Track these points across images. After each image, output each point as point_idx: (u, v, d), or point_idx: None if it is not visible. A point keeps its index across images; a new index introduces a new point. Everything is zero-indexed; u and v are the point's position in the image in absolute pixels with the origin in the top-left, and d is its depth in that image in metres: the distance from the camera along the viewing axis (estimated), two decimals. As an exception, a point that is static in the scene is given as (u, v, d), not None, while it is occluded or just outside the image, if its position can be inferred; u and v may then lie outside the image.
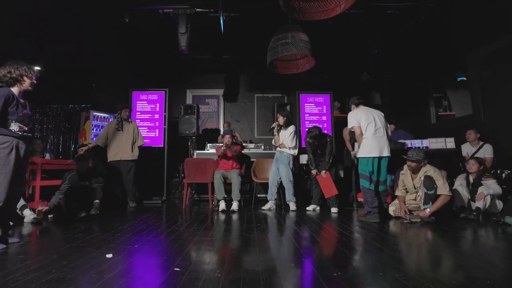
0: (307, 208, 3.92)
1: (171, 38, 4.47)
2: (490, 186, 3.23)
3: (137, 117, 5.29)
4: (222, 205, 3.78)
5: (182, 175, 4.85)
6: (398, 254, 1.90)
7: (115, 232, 2.52)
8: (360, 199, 4.15)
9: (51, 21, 4.25)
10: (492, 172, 3.55)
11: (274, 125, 4.06)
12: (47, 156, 4.17)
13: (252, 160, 4.69)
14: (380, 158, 3.21)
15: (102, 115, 5.35)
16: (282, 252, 2.04)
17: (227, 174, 4.04)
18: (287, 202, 3.91)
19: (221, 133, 5.93)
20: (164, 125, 5.30)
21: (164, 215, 3.66)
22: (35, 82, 2.24)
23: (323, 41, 4.83)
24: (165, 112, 5.33)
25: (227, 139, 4.18)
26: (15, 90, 2.14)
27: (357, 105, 3.42)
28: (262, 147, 4.99)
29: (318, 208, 3.96)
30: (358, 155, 3.29)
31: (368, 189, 3.20)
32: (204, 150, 5.01)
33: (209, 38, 5.12)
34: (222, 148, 4.08)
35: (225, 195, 3.90)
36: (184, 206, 4.18)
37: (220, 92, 6.57)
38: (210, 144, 5.03)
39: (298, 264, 1.72)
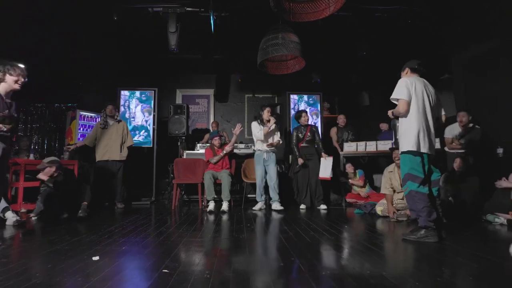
0: (300, 207, 3.98)
1: (160, 37, 4.42)
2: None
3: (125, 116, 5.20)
4: (212, 206, 3.76)
5: (172, 175, 4.80)
6: (385, 252, 1.94)
7: (102, 234, 2.47)
8: (349, 200, 4.22)
9: (36, 18, 4.13)
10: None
11: (272, 122, 3.97)
12: (31, 156, 4.05)
13: (242, 160, 4.69)
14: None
15: (89, 114, 5.23)
16: (271, 252, 2.05)
17: (217, 175, 4.03)
18: (273, 202, 3.88)
19: (210, 133, 5.89)
20: (153, 125, 5.23)
21: (153, 216, 3.61)
22: (22, 80, 2.17)
23: (313, 43, 4.87)
24: (154, 111, 5.26)
25: (217, 141, 4.20)
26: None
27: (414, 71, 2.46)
28: (253, 147, 4.99)
29: (307, 207, 4.01)
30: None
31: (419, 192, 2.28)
32: (194, 150, 4.98)
33: (199, 38, 5.09)
34: (217, 157, 4.09)
35: (215, 196, 3.89)
36: (174, 207, 4.14)
37: (210, 92, 6.53)
38: (200, 144, 5.00)
39: (287, 263, 1.73)
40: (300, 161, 4.07)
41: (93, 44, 5.08)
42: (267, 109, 4.03)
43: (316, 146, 4.18)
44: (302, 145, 4.18)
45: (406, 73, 2.49)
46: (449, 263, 1.74)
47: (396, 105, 2.36)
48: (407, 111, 2.31)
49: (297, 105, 5.57)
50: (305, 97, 5.62)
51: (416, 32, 4.62)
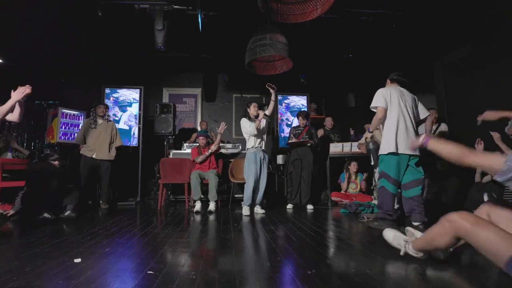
0: (287, 207, 4.01)
1: (147, 35, 4.34)
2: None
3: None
4: (199, 206, 3.72)
5: (158, 175, 4.73)
6: (369, 251, 1.98)
7: (85, 235, 2.40)
8: (334, 198, 4.29)
9: (17, 11, 3.97)
10: None
11: (261, 114, 3.75)
12: (9, 155, 3.89)
13: (229, 160, 4.68)
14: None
15: (72, 112, 5.07)
16: (258, 252, 2.06)
17: (204, 175, 4.00)
18: (257, 204, 3.69)
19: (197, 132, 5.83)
20: (139, 124, 5.14)
21: (138, 216, 3.54)
22: None
23: (301, 44, 4.92)
24: (140, 110, 5.17)
25: (202, 141, 4.18)
26: None
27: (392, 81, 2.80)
28: (240, 147, 4.99)
29: (294, 206, 4.05)
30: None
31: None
32: (180, 150, 4.92)
33: (187, 36, 5.03)
34: (203, 157, 4.04)
35: (202, 196, 3.85)
36: (159, 207, 4.08)
37: (198, 91, 6.48)
38: (187, 144, 4.95)
39: (273, 263, 1.74)
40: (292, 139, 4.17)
41: (77, 40, 4.93)
42: (253, 104, 3.81)
43: (311, 148, 4.17)
44: (296, 142, 4.22)
45: (388, 84, 2.81)
46: (431, 261, 1.79)
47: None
48: (385, 117, 2.59)
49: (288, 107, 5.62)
50: (293, 97, 5.67)
51: (400, 35, 4.75)
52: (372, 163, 3.06)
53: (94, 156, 4.09)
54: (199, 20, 4.13)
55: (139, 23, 4.46)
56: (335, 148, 4.45)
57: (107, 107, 4.43)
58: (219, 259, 1.86)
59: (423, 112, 2.81)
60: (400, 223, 2.72)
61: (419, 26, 4.55)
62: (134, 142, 5.08)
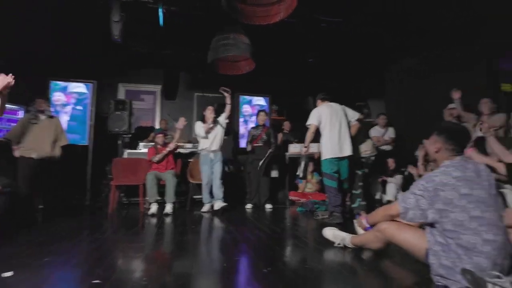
0: (247, 207, 4.02)
1: (103, 25, 4.03)
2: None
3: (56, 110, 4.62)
4: (154, 208, 3.54)
5: (110, 176, 4.41)
6: (323, 247, 2.07)
7: (20, 244, 2.14)
8: (291, 198, 4.42)
9: None
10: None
11: (211, 118, 3.87)
12: None
13: (189, 160, 4.55)
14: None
15: (12, 106, 4.49)
16: (215, 253, 2.03)
17: (161, 175, 3.83)
18: (216, 200, 3.71)
19: (154, 130, 5.58)
20: (90, 121, 4.75)
21: (85, 221, 3.28)
22: None
23: (264, 46, 4.98)
24: (92, 106, 4.78)
25: (160, 139, 4.02)
26: None
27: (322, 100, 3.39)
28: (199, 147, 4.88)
29: (254, 206, 4.09)
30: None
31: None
32: (136, 149, 4.66)
33: (147, 31, 4.79)
34: (160, 156, 3.89)
35: (158, 198, 3.69)
36: (111, 210, 3.80)
37: (157, 88, 6.21)
38: (143, 143, 4.70)
39: (230, 264, 1.73)
40: (248, 147, 4.22)
41: (20, 27, 4.40)
42: (210, 108, 3.94)
43: (270, 148, 4.24)
44: (256, 144, 4.25)
45: (318, 103, 3.38)
46: (368, 252, 1.93)
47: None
48: (315, 131, 3.18)
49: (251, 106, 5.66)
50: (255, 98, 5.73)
51: (356, 44, 5.07)
52: (301, 175, 3.50)
53: (34, 156, 3.65)
54: (160, 14, 3.96)
55: (94, 13, 4.13)
56: (294, 148, 4.58)
57: (48, 101, 4.00)
58: (175, 263, 1.80)
59: (353, 116, 3.34)
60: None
61: (373, 37, 4.91)
62: (83, 140, 4.69)
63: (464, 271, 1.25)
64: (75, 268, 1.65)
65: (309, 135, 3.22)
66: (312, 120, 3.20)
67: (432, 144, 1.54)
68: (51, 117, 3.88)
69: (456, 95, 3.40)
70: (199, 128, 3.89)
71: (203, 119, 3.96)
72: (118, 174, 4.05)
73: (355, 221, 2.18)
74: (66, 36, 4.83)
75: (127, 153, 4.55)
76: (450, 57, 4.49)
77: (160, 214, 3.52)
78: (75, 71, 5.02)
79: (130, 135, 5.06)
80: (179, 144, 4.29)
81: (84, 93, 4.86)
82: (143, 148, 4.58)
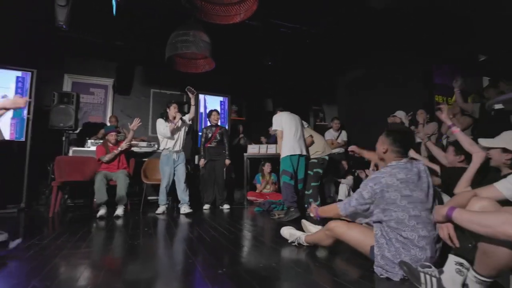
0: (204, 207, 3.97)
1: (48, 9, 3.63)
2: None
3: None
4: (103, 211, 3.29)
5: (52, 176, 4.01)
6: (277, 246, 2.14)
7: None
8: (249, 198, 4.47)
9: None
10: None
11: (178, 117, 3.75)
12: None
13: (143, 159, 4.34)
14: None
15: None
16: (169, 256, 1.97)
17: (111, 175, 3.58)
18: (182, 205, 3.66)
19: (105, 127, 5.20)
20: (28, 114, 4.25)
21: (21, 226, 2.94)
22: None
23: (225, 46, 4.96)
24: (30, 98, 4.28)
25: (112, 137, 3.75)
26: None
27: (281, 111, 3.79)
28: (156, 146, 4.68)
29: (211, 207, 4.05)
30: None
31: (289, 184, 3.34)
32: (83, 147, 4.30)
33: (98, 19, 4.44)
34: (110, 155, 3.63)
35: (108, 199, 3.45)
36: (52, 214, 3.44)
37: (109, 81, 5.78)
38: (92, 141, 4.36)
39: (185, 266, 1.69)
40: (201, 162, 4.16)
41: None
42: (174, 105, 3.79)
43: (224, 148, 4.23)
44: (209, 145, 4.19)
45: (278, 113, 3.66)
46: (327, 249, 2.05)
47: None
48: (283, 134, 3.46)
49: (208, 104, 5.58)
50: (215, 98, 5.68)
51: (312, 51, 5.32)
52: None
53: None
54: (113, 2, 3.70)
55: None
56: (252, 149, 4.65)
57: None
58: (124, 268, 1.70)
59: (305, 124, 3.82)
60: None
61: (327, 46, 5.19)
62: (20, 136, 4.18)
63: (401, 263, 1.40)
64: (5, 281, 1.47)
65: (280, 141, 3.48)
66: (277, 126, 3.49)
67: (381, 145, 1.68)
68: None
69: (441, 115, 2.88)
70: (163, 127, 3.69)
71: (166, 117, 3.78)
72: (61, 173, 3.70)
73: (302, 221, 2.35)
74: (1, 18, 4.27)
75: (72, 151, 4.19)
76: (392, 70, 4.97)
77: (110, 216, 3.30)
78: (11, 58, 4.45)
79: (77, 132, 4.66)
80: (132, 143, 4.06)
81: (21, 83, 4.34)
82: (91, 146, 4.25)
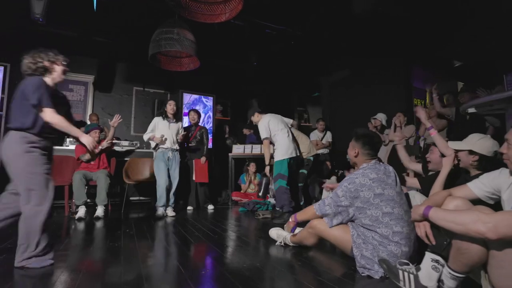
0: (188, 208, 3.91)
1: (22, 1, 3.47)
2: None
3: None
4: (82, 212, 3.17)
5: (27, 176, 3.82)
6: (262, 246, 2.14)
7: None
8: (234, 198, 4.46)
9: None
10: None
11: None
12: None
13: (125, 159, 4.23)
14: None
15: None
16: (151, 257, 1.93)
17: (91, 175, 3.46)
18: (170, 205, 3.52)
19: (85, 126, 5.01)
20: (1, 111, 4.05)
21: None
22: (67, 69, 1.98)
23: (210, 45, 4.92)
24: (3, 94, 4.07)
25: (94, 135, 3.62)
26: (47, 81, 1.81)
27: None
28: (138, 144, 4.58)
29: (194, 207, 4.00)
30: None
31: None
32: (62, 146, 4.14)
33: (79, 14, 4.28)
34: (87, 156, 3.49)
35: (88, 200, 3.33)
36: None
37: (89, 78, 5.58)
38: (70, 139, 4.20)
39: (168, 268, 1.67)
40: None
41: None
42: (171, 102, 3.72)
43: (204, 148, 4.16)
44: (189, 144, 4.14)
45: (258, 116, 3.56)
46: (311, 248, 2.08)
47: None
48: (270, 142, 3.38)
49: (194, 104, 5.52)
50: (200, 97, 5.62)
51: (297, 52, 5.37)
52: (261, 194, 3.91)
53: None
54: (94, -3, 3.59)
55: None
56: (237, 149, 4.64)
57: None
58: (104, 271, 1.65)
59: (288, 121, 3.67)
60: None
61: (312, 48, 5.27)
62: (-9, 133, 3.96)
63: (380, 261, 1.44)
64: (-26, 286, 1.39)
65: (267, 151, 3.38)
66: (265, 134, 3.35)
67: (352, 149, 1.78)
68: None
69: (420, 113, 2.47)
70: (151, 129, 3.62)
71: (165, 115, 3.66)
72: (37, 173, 3.53)
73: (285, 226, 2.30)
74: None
75: (49, 149, 4.00)
76: (375, 73, 5.11)
77: (90, 218, 3.19)
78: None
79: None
80: (114, 142, 3.94)
81: (-7, 78, 4.13)
82: (70, 145, 4.10)
